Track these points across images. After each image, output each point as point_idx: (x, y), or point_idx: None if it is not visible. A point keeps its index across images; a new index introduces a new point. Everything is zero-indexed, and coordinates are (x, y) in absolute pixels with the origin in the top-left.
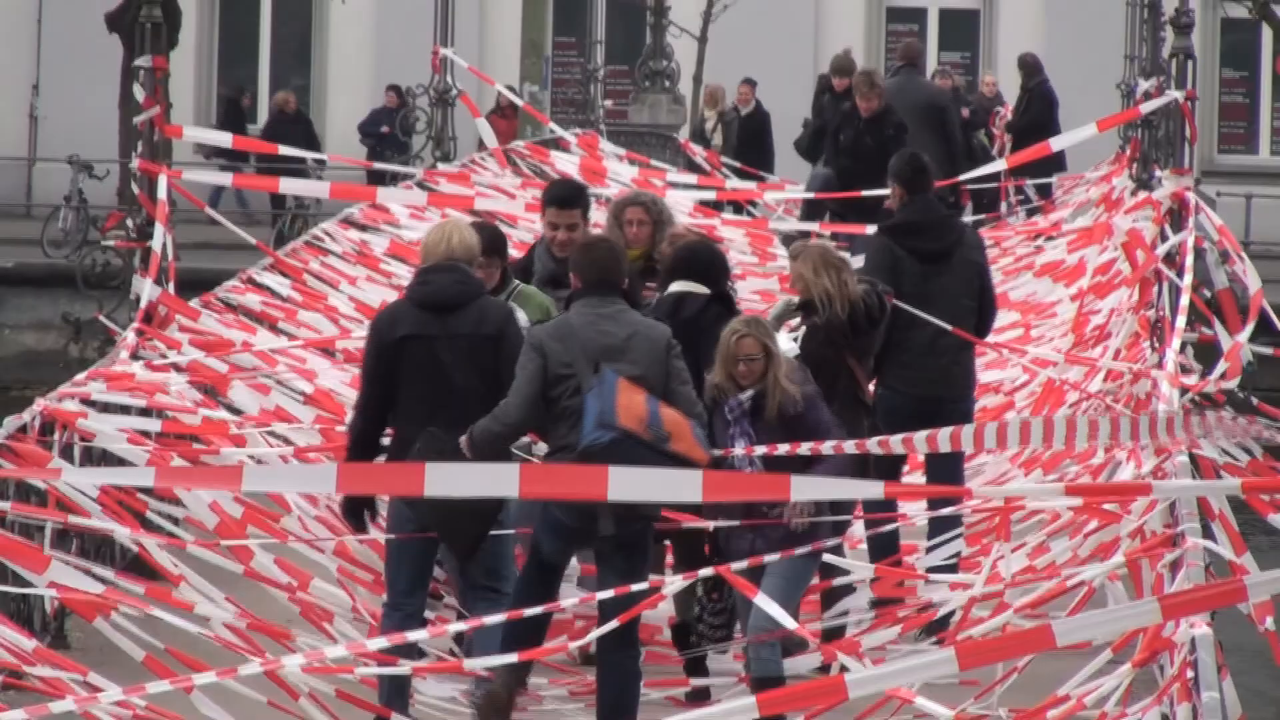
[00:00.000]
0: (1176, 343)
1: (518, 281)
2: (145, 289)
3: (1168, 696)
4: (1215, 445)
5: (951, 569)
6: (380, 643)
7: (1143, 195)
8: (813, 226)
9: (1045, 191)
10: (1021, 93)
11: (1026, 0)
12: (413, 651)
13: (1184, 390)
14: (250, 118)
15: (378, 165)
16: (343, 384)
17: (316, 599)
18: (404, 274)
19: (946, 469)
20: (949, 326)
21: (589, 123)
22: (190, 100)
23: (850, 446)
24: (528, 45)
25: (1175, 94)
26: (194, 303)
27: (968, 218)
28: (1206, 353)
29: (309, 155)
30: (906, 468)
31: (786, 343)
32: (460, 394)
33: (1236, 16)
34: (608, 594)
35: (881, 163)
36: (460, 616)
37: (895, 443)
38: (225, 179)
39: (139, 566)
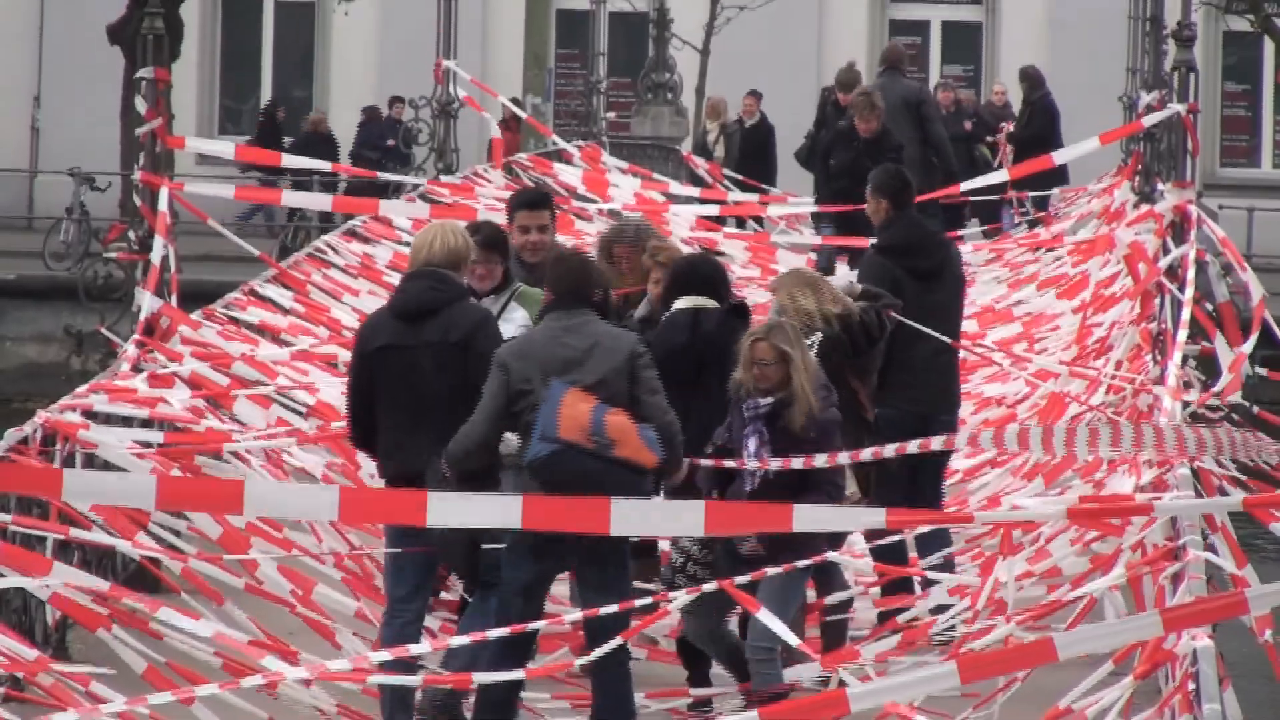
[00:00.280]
0: (1178, 356)
1: (519, 282)
2: (146, 301)
3: (1169, 708)
4: (1217, 459)
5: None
6: (383, 655)
7: (1145, 208)
8: (814, 239)
9: (1043, 204)
10: (1024, 105)
11: (1029, 13)
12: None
13: (1186, 404)
14: (288, 131)
15: (382, 176)
16: (343, 395)
17: (319, 606)
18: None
19: (932, 487)
20: (947, 339)
21: (591, 135)
22: (192, 112)
23: (844, 458)
24: (530, 57)
25: (1177, 107)
26: (195, 315)
27: (971, 229)
28: (1208, 365)
29: (312, 165)
30: None
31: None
32: (434, 403)
33: (1239, 30)
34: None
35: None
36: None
37: (888, 452)
38: (228, 190)
39: (140, 579)
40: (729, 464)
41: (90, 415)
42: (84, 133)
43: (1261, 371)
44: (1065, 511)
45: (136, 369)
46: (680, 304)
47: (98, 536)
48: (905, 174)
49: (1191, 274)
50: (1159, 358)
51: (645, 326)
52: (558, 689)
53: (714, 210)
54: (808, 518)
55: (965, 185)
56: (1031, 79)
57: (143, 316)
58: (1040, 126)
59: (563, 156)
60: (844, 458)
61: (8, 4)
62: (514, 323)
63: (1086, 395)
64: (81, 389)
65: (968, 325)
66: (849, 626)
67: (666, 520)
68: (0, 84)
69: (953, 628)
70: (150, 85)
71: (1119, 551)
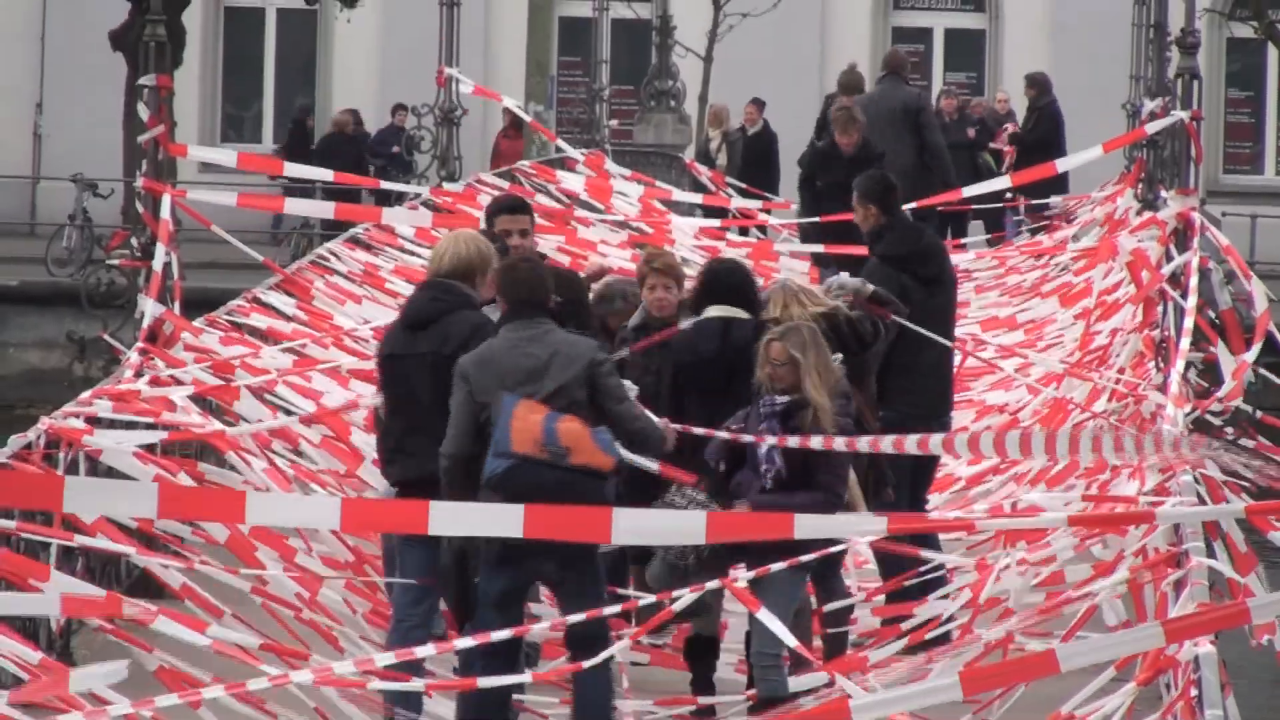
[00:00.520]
0: (1181, 363)
1: None
2: (148, 308)
3: (1172, 715)
4: (1217, 465)
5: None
6: (388, 658)
7: (1148, 215)
8: (816, 248)
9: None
10: (1030, 111)
11: (1032, 20)
12: (418, 668)
13: (1189, 410)
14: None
15: (384, 184)
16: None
17: (325, 608)
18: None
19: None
20: (952, 344)
21: (594, 143)
22: (195, 119)
23: (840, 443)
24: (533, 65)
25: (1181, 114)
26: (198, 322)
27: (974, 237)
28: (1209, 372)
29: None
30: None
31: None
32: (428, 412)
33: (1242, 36)
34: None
35: None
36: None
37: (885, 444)
38: (230, 198)
39: (145, 585)
40: (746, 438)
41: (94, 421)
42: (86, 139)
43: (1266, 375)
44: (1067, 518)
45: (139, 375)
46: (711, 312)
47: (102, 543)
48: (889, 177)
49: (1194, 281)
50: (1161, 365)
51: (639, 335)
52: (565, 695)
53: (715, 223)
54: (809, 526)
55: (967, 191)
56: (1039, 84)
57: (145, 323)
58: (1045, 133)
59: (566, 164)
60: (840, 443)
61: (9, 10)
62: None
63: (1089, 402)
64: (85, 395)
65: (972, 330)
66: (849, 634)
67: (669, 530)
68: (2, 90)
69: (949, 633)
70: (152, 92)
71: (1120, 557)
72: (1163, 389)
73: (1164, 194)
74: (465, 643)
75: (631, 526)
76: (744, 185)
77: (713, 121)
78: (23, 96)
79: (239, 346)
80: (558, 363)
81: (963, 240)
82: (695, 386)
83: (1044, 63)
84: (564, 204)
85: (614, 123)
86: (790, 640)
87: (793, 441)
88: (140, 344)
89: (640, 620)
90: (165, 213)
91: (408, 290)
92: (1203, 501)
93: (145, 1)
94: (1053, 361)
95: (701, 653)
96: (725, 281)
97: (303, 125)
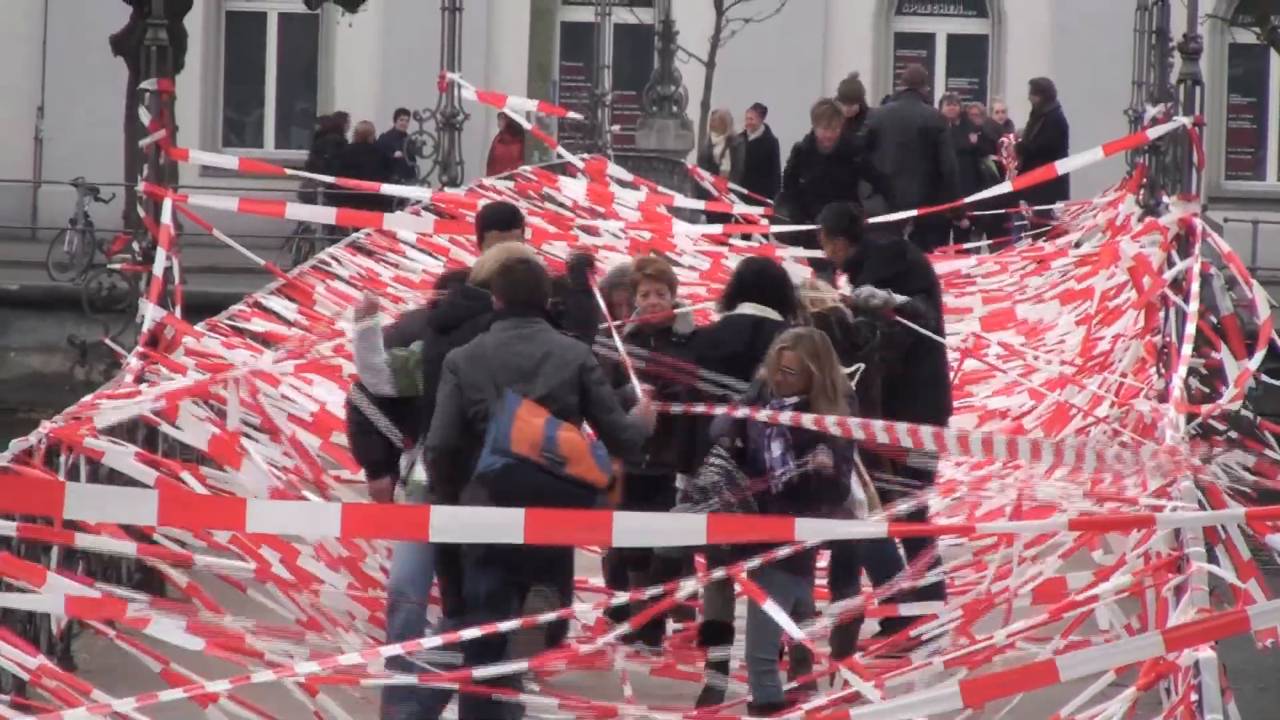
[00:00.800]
0: (1183, 369)
1: None
2: (149, 312)
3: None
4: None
5: (936, 590)
6: (394, 650)
7: (1149, 221)
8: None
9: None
10: (1034, 117)
11: (1035, 25)
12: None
13: (1191, 416)
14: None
15: (385, 189)
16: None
17: (326, 610)
18: (410, 299)
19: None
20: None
21: (596, 148)
22: (196, 123)
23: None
24: (535, 70)
25: (1183, 120)
26: (199, 326)
27: (977, 243)
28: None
29: (315, 179)
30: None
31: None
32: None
33: (1244, 42)
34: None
35: (853, 191)
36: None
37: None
38: (231, 203)
39: (147, 586)
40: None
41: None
42: (87, 143)
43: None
44: (1068, 523)
45: (140, 380)
46: (744, 309)
47: (103, 543)
48: (849, 207)
49: (1196, 287)
50: (1163, 371)
51: (632, 341)
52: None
53: (717, 228)
54: (809, 529)
55: (969, 198)
56: (1043, 90)
57: (146, 327)
58: (1050, 139)
59: (567, 170)
60: (831, 422)
61: (11, 13)
62: None
63: (1090, 407)
64: (87, 399)
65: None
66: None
67: (669, 532)
68: (4, 93)
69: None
70: (154, 96)
71: (1123, 560)
72: (1164, 395)
73: (1166, 199)
74: (471, 632)
75: (631, 528)
76: (745, 191)
77: (716, 127)
78: (24, 100)
79: (242, 351)
80: (549, 364)
81: (965, 246)
82: (715, 382)
83: (1046, 68)
84: (568, 210)
85: (616, 128)
86: (796, 632)
87: (785, 418)
88: (141, 348)
89: (637, 612)
90: (166, 217)
91: (409, 295)
92: (1203, 507)
93: (147, 5)
94: (1055, 366)
95: (716, 638)
96: (759, 280)
97: (339, 130)
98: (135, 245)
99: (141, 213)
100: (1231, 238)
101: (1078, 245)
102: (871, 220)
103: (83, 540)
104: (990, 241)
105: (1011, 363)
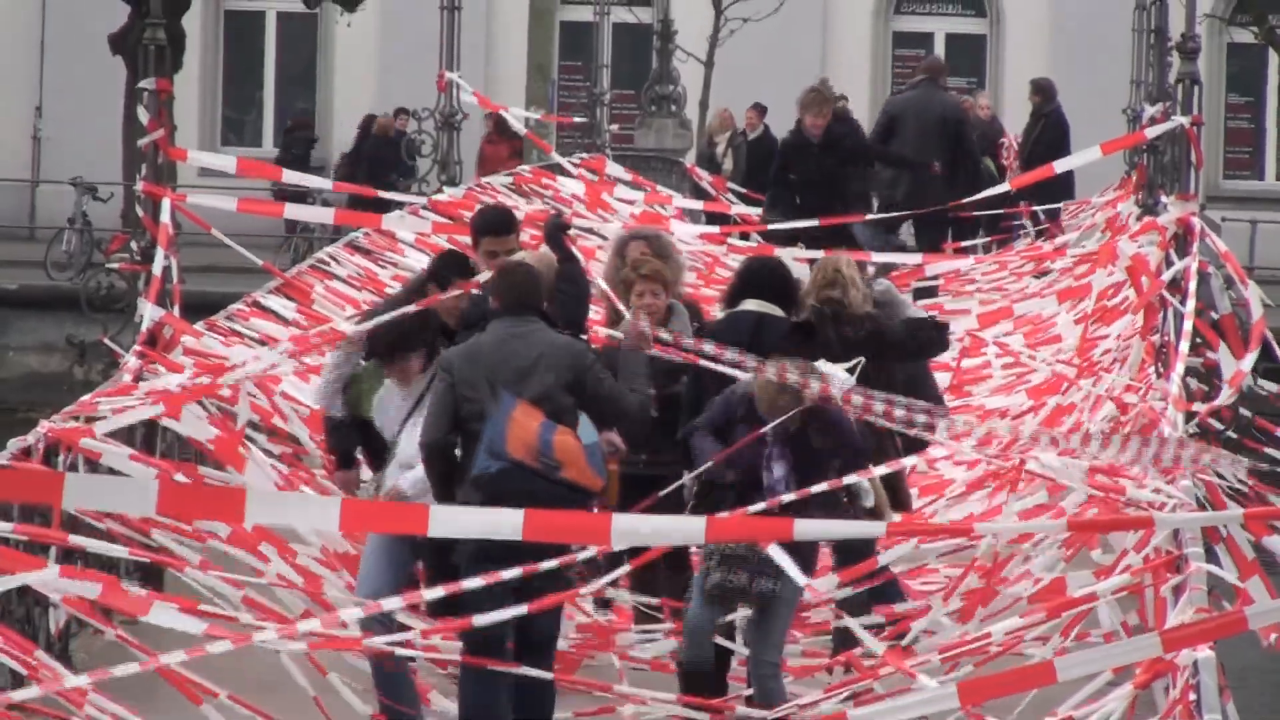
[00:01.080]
0: (1180, 368)
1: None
2: (148, 312)
3: (1170, 719)
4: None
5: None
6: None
7: (1147, 220)
8: (816, 254)
9: (1052, 217)
10: (1034, 118)
11: (1033, 25)
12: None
13: (1189, 415)
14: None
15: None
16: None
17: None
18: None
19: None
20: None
21: (595, 147)
22: (195, 122)
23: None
24: (534, 69)
25: (1181, 119)
26: (198, 326)
27: (978, 240)
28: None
29: (315, 181)
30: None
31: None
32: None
33: (1243, 41)
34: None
35: (844, 181)
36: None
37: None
38: (230, 203)
39: (147, 585)
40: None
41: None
42: (86, 142)
43: (1268, 385)
44: (1066, 524)
45: (139, 379)
46: (747, 305)
47: (100, 544)
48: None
49: (1194, 286)
50: (1161, 370)
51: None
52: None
53: (714, 228)
54: (807, 529)
55: (969, 199)
56: (1044, 90)
57: (145, 327)
58: (1051, 140)
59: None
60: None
61: (9, 13)
62: None
63: (1089, 407)
64: (86, 398)
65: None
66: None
67: (668, 531)
68: (2, 92)
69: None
70: (152, 96)
71: (1124, 554)
72: (1162, 394)
73: (1164, 199)
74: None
75: (629, 529)
76: (744, 190)
77: (719, 126)
78: (22, 99)
79: (240, 350)
80: (544, 364)
81: (963, 244)
82: (715, 378)
83: (1044, 67)
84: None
85: (615, 127)
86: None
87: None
88: (139, 348)
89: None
90: (165, 216)
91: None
92: (1202, 507)
93: (145, 5)
94: (1054, 366)
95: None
96: (764, 278)
97: (367, 131)
98: (134, 244)
99: (140, 212)
100: (1229, 237)
101: (1077, 245)
102: (868, 218)
103: (79, 541)
104: (987, 239)
105: (1006, 359)
